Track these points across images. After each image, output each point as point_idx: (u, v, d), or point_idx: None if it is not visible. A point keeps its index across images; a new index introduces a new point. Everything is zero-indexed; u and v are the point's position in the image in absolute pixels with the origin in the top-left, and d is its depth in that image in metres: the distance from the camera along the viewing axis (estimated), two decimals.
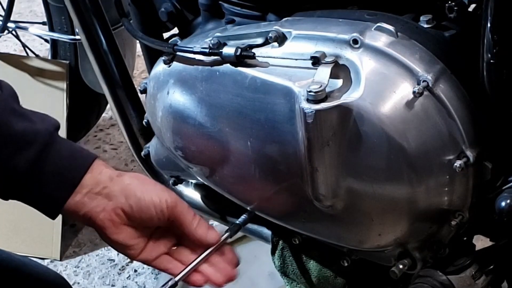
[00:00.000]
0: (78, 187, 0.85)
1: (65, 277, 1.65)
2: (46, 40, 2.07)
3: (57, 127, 0.87)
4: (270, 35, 0.87)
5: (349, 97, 0.78)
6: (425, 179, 0.79)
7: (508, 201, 0.76)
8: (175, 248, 0.92)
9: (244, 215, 1.00)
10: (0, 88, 0.84)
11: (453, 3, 0.81)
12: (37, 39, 2.32)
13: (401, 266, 0.86)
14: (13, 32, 1.94)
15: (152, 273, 1.75)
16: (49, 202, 0.85)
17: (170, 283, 0.90)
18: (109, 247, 1.88)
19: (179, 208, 0.88)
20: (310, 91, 0.78)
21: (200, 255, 0.91)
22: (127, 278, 1.76)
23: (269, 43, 0.87)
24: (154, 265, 0.92)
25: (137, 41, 1.36)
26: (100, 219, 0.86)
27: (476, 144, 0.79)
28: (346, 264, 0.96)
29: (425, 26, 0.82)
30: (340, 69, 0.80)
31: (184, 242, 0.92)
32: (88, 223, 0.88)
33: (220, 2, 0.99)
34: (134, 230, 0.88)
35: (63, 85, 1.79)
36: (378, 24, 0.81)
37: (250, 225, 1.12)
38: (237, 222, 0.98)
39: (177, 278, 0.90)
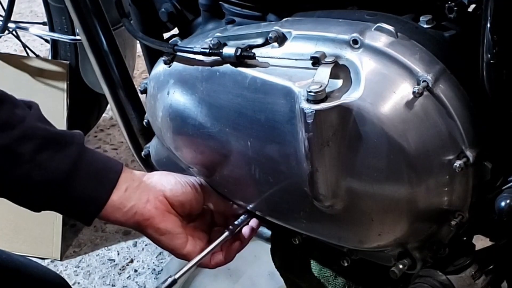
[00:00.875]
0: (117, 184, 0.89)
1: (66, 277, 1.66)
2: (46, 41, 2.07)
3: (83, 139, 0.90)
4: (270, 35, 0.87)
5: (349, 97, 0.78)
6: (425, 179, 0.79)
7: (508, 201, 0.76)
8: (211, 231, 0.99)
9: (244, 215, 1.00)
10: (30, 107, 0.87)
11: (453, 3, 0.81)
12: (37, 39, 2.33)
13: (401, 266, 0.86)
14: (14, 32, 1.95)
15: (152, 273, 1.76)
16: (89, 203, 0.88)
17: (169, 281, 0.91)
18: (109, 247, 1.90)
19: (207, 186, 0.98)
20: (310, 91, 0.78)
21: (200, 253, 0.94)
22: (127, 278, 1.76)
23: (269, 43, 0.87)
24: (204, 265, 0.97)
25: (138, 41, 1.36)
26: (148, 209, 0.91)
27: (476, 144, 0.79)
28: (346, 264, 0.96)
29: (425, 26, 0.82)
30: (340, 69, 0.80)
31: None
32: (132, 218, 0.90)
33: (220, 2, 0.99)
34: (177, 218, 0.94)
35: (64, 85, 1.79)
36: (378, 24, 0.81)
37: None
38: (236, 223, 0.99)
39: (176, 276, 0.92)
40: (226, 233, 0.98)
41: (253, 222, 1.00)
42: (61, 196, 0.86)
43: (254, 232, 1.01)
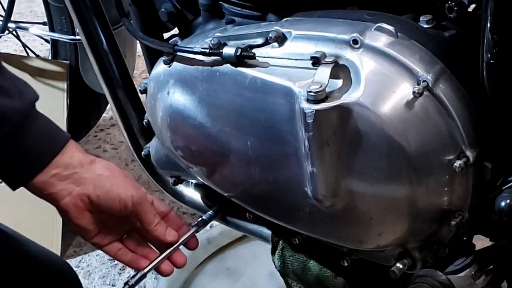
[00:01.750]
0: (46, 168, 0.86)
1: None
2: (46, 40, 2.07)
3: (35, 100, 0.87)
4: (270, 35, 0.87)
5: (349, 97, 0.78)
6: (425, 179, 0.79)
7: (508, 201, 0.76)
8: (125, 236, 0.96)
9: (211, 211, 1.02)
10: None
11: (453, 3, 0.81)
12: (37, 39, 2.33)
13: (401, 266, 0.86)
14: (14, 32, 1.95)
15: (152, 273, 1.75)
16: (15, 178, 0.87)
17: (138, 275, 0.95)
18: None
19: (143, 206, 0.92)
20: (310, 91, 0.78)
21: (167, 250, 0.96)
22: (128, 278, 1.76)
23: (269, 43, 0.87)
24: (104, 250, 0.95)
25: (137, 41, 1.36)
26: (64, 203, 0.88)
27: (476, 144, 0.79)
28: (346, 264, 0.96)
29: (425, 26, 0.82)
30: (340, 69, 0.80)
31: (140, 230, 0.96)
32: (52, 203, 0.90)
33: (220, 2, 0.99)
34: (94, 216, 0.91)
35: (64, 85, 1.79)
36: (378, 24, 0.81)
37: (250, 225, 1.12)
38: (204, 217, 1.03)
39: (145, 270, 0.95)
40: (194, 229, 1.00)
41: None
42: None
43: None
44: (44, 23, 1.92)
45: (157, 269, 0.97)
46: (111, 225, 0.94)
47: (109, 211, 0.91)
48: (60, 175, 0.87)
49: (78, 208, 0.89)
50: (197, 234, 1.03)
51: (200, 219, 1.07)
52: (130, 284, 0.94)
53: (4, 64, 0.85)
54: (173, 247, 0.97)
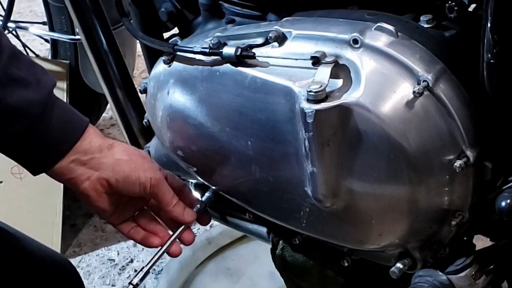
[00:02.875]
0: (67, 155, 0.88)
1: None
2: (46, 40, 2.07)
3: (53, 87, 0.88)
4: (270, 35, 0.87)
5: (349, 97, 0.78)
6: (425, 179, 0.79)
7: (508, 201, 0.76)
8: (138, 212, 0.98)
9: (208, 192, 1.03)
10: (1, 47, 0.83)
11: (453, 3, 0.81)
12: (37, 39, 2.33)
13: (401, 266, 0.86)
14: (13, 32, 1.95)
15: (152, 273, 1.75)
16: (36, 165, 0.88)
17: (144, 270, 0.95)
18: (109, 247, 1.90)
19: (161, 187, 0.94)
20: (310, 91, 0.78)
21: (169, 238, 0.97)
22: (127, 278, 1.76)
23: (269, 43, 0.87)
24: (118, 228, 0.98)
25: (137, 41, 1.36)
26: (84, 187, 0.90)
27: (476, 144, 0.79)
28: (346, 264, 0.96)
29: (425, 26, 0.82)
30: (340, 69, 0.80)
31: (152, 207, 0.99)
32: (72, 188, 0.91)
33: (220, 2, 0.99)
34: (113, 197, 0.93)
35: (63, 85, 1.79)
36: (378, 24, 0.81)
37: (250, 225, 1.12)
38: (203, 199, 1.04)
39: (137, 280, 0.94)
40: (198, 206, 1.01)
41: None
42: (13, 152, 0.87)
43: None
44: (44, 23, 1.92)
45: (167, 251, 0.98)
46: (125, 204, 0.96)
47: (128, 194, 0.93)
48: (79, 160, 0.89)
49: (97, 192, 0.91)
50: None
51: (199, 201, 1.06)
52: (134, 283, 0.93)
53: (21, 50, 0.86)
54: (183, 227, 0.98)
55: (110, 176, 0.90)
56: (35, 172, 0.89)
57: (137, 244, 1.02)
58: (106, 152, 0.91)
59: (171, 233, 0.98)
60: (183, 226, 0.98)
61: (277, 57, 0.87)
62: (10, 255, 0.96)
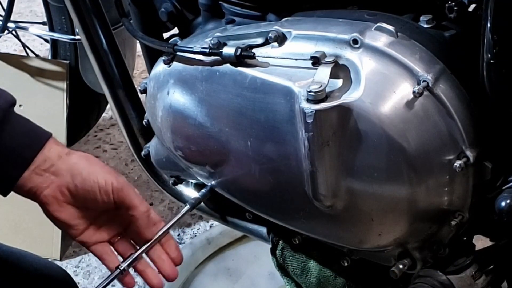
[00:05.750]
0: (29, 166, 0.86)
1: None
2: (46, 40, 2.07)
3: (13, 103, 0.87)
4: (270, 35, 0.87)
5: (349, 97, 0.78)
6: (425, 179, 0.79)
7: (508, 201, 0.76)
8: (118, 238, 0.93)
9: (204, 189, 1.01)
10: None
11: (453, 3, 0.81)
12: (37, 39, 2.32)
13: (401, 266, 0.86)
14: (13, 32, 1.94)
15: None
16: (2, 180, 0.86)
17: (133, 257, 0.91)
18: None
19: (126, 191, 0.89)
20: (310, 91, 0.78)
21: (152, 239, 0.91)
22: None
23: (269, 43, 0.87)
24: (91, 250, 0.93)
25: (137, 41, 1.36)
26: (44, 195, 0.88)
27: (476, 144, 0.79)
28: (346, 264, 0.96)
29: (425, 26, 0.82)
30: (340, 69, 0.80)
31: (131, 233, 0.92)
32: (32, 198, 0.89)
33: (220, 2, 0.99)
34: (77, 210, 0.89)
35: (63, 85, 1.79)
36: (378, 24, 0.81)
37: (250, 225, 1.12)
38: (198, 196, 1.01)
39: (124, 265, 0.91)
40: (187, 207, 0.98)
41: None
42: None
43: None
44: (43, 23, 1.92)
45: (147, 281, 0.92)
46: (100, 224, 0.92)
47: (91, 202, 0.88)
48: (39, 169, 0.87)
49: (58, 201, 0.88)
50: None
51: (193, 197, 1.04)
52: (121, 268, 0.91)
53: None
54: (166, 227, 0.92)
55: (69, 182, 0.87)
56: (5, 190, 0.87)
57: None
58: (65, 158, 0.88)
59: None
60: (165, 227, 0.92)
61: (277, 57, 0.87)
62: (3, 274, 0.94)
